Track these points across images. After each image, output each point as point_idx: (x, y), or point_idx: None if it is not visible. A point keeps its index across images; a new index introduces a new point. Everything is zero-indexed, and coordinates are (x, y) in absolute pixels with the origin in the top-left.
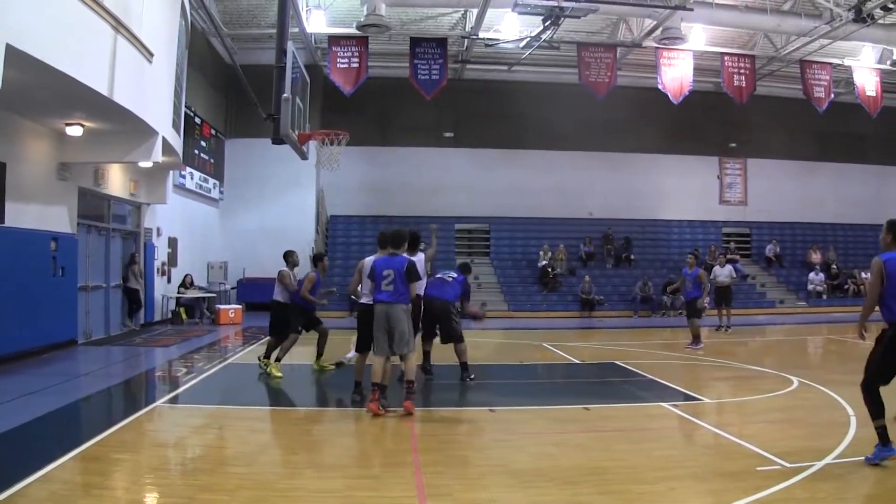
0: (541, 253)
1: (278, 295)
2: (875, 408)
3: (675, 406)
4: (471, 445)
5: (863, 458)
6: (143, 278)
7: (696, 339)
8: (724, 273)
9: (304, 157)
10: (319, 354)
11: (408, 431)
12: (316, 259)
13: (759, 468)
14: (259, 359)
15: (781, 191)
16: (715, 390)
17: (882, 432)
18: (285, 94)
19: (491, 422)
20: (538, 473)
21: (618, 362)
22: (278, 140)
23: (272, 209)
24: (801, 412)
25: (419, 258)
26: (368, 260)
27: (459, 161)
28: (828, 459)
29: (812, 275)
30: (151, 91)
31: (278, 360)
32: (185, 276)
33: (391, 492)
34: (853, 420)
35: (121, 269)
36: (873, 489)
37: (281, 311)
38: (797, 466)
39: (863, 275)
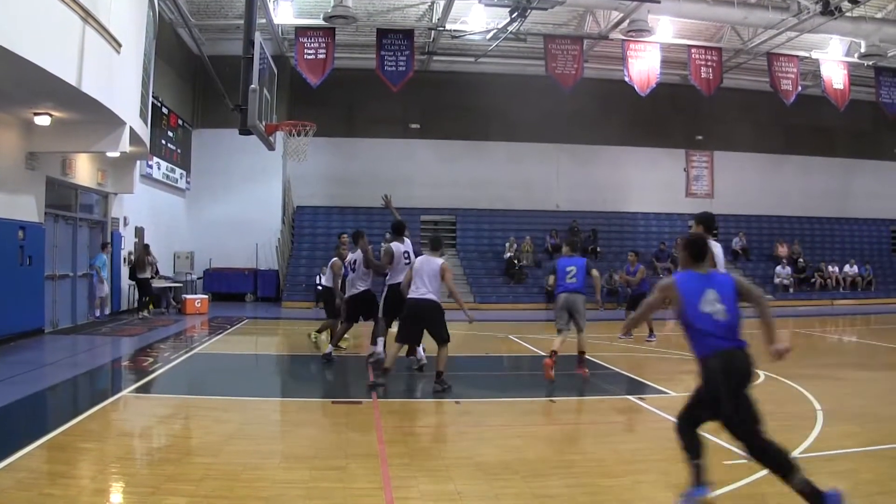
0: (507, 245)
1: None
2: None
3: (641, 399)
4: (437, 437)
5: (828, 452)
6: (152, 267)
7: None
8: None
9: (271, 147)
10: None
11: (373, 423)
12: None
13: (725, 462)
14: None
15: (748, 184)
16: (682, 383)
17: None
18: (253, 85)
19: (457, 414)
20: (504, 466)
21: (584, 355)
22: (246, 131)
23: (239, 200)
24: (768, 406)
25: (407, 244)
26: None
27: (426, 153)
28: (794, 454)
29: (779, 268)
30: (119, 81)
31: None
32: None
33: (357, 483)
34: (820, 414)
35: (87, 259)
36: (840, 484)
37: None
38: None
39: (830, 268)
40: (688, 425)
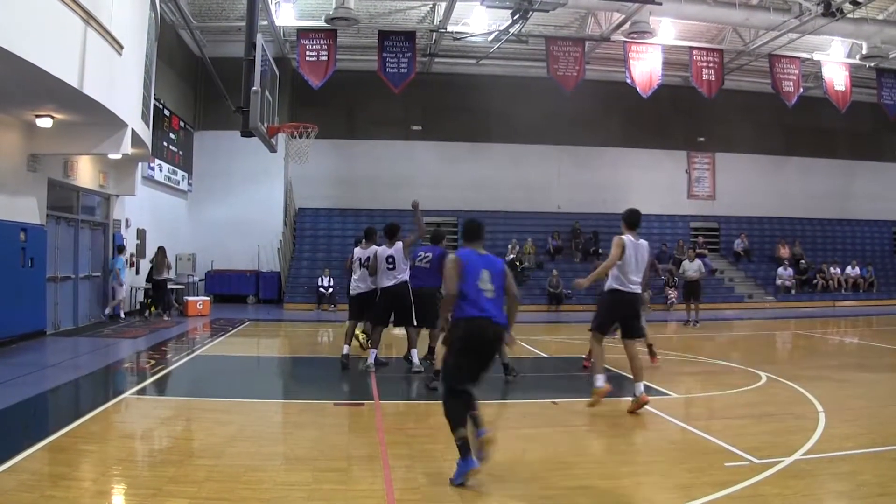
0: (509, 247)
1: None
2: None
3: None
4: (439, 439)
5: (830, 454)
6: (164, 269)
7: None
8: (693, 268)
9: (272, 149)
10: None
11: (375, 424)
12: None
13: (727, 464)
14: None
15: (750, 185)
16: (683, 385)
17: (462, 445)
18: (254, 87)
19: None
20: (506, 467)
21: (582, 356)
22: (247, 133)
23: (240, 201)
24: (770, 408)
25: (397, 248)
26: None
27: (427, 154)
28: (797, 455)
29: (780, 269)
30: (121, 83)
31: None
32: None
33: (358, 485)
34: (822, 416)
35: (100, 262)
36: (843, 485)
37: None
38: (766, 462)
39: (831, 270)
40: (455, 397)
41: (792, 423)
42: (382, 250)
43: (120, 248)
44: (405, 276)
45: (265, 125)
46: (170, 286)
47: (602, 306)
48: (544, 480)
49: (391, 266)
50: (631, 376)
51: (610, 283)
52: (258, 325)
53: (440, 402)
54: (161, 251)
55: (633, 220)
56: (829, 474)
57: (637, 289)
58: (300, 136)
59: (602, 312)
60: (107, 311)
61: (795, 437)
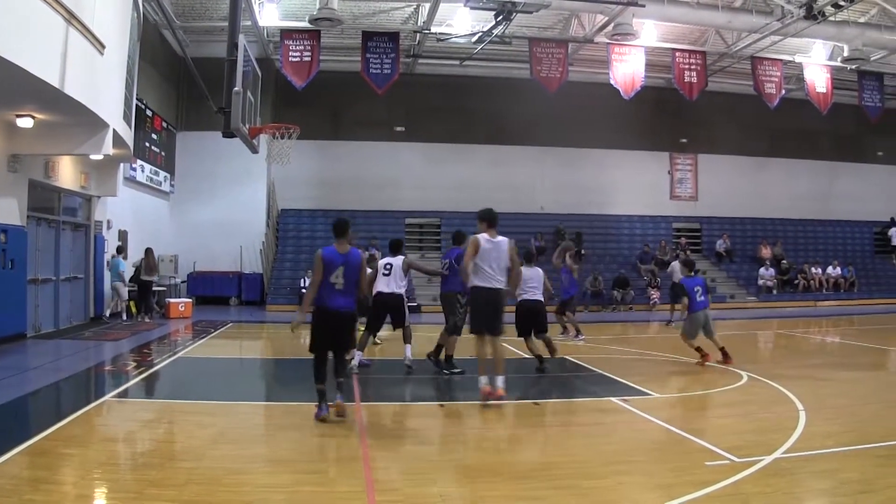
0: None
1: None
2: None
3: (624, 401)
4: (420, 440)
5: (811, 452)
6: (155, 271)
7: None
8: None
9: (254, 150)
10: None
11: (357, 426)
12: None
13: (708, 463)
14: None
15: (732, 186)
16: (665, 385)
17: (320, 393)
18: (236, 88)
19: (440, 416)
20: (487, 468)
21: (568, 357)
22: (229, 133)
23: (223, 202)
24: (751, 407)
25: (398, 259)
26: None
27: (411, 155)
28: (777, 454)
29: (762, 270)
30: (103, 83)
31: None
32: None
33: (339, 486)
34: (802, 415)
35: (81, 263)
36: (823, 484)
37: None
38: (746, 461)
39: (813, 270)
40: (320, 358)
41: (773, 421)
42: (385, 259)
43: (119, 249)
44: (401, 290)
45: (247, 126)
46: (153, 288)
47: (471, 307)
48: (527, 481)
49: (387, 272)
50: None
51: (472, 281)
52: (241, 326)
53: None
54: (150, 252)
55: (490, 218)
56: (810, 472)
57: (499, 285)
58: (282, 137)
59: (472, 314)
60: (108, 312)
61: (776, 435)
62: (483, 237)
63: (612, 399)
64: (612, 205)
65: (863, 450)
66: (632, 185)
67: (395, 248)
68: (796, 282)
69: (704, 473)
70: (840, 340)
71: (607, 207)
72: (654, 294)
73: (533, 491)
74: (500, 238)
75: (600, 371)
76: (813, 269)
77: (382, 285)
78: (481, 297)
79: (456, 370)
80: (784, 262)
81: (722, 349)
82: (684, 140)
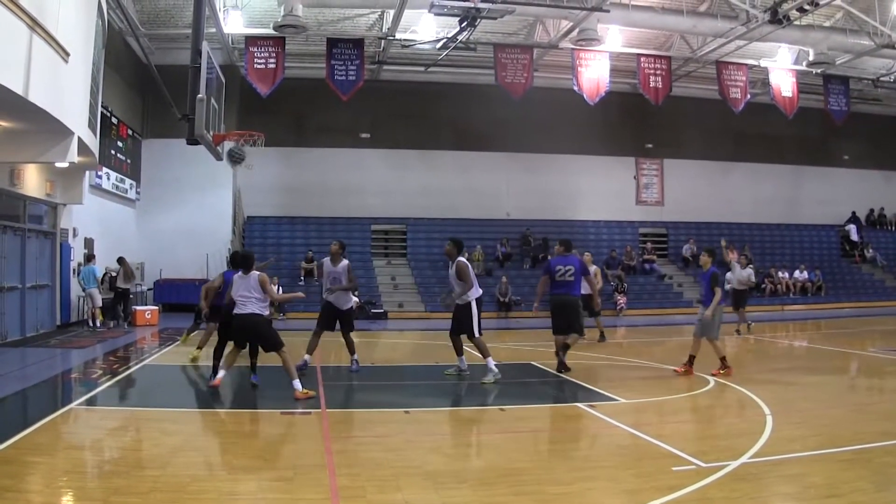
0: None
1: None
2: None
3: (591, 406)
4: (385, 447)
5: (777, 457)
6: (134, 278)
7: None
8: (743, 275)
9: (218, 157)
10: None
11: (321, 433)
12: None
13: (674, 468)
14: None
15: (698, 191)
16: (631, 390)
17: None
18: (200, 95)
19: (406, 423)
20: (453, 475)
21: (534, 363)
22: (193, 140)
23: (189, 210)
24: (718, 411)
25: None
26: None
27: (376, 162)
28: (743, 459)
29: (728, 274)
30: (67, 91)
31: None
32: (105, 272)
33: (304, 494)
34: (769, 419)
35: (50, 270)
36: (789, 488)
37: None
38: (713, 466)
39: (779, 274)
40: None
41: (739, 426)
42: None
43: (89, 257)
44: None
45: (210, 133)
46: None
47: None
48: (492, 487)
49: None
50: None
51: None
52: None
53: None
54: (125, 261)
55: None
56: (777, 477)
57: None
58: (247, 144)
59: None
60: (93, 321)
61: (743, 440)
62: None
63: (579, 405)
64: (578, 210)
65: (829, 454)
66: (598, 191)
67: (235, 262)
68: (763, 286)
69: (671, 479)
70: (807, 344)
71: (573, 213)
72: (621, 299)
73: (498, 497)
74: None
75: (566, 377)
76: (780, 273)
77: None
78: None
79: (568, 368)
80: (750, 266)
81: (723, 358)
82: (650, 145)
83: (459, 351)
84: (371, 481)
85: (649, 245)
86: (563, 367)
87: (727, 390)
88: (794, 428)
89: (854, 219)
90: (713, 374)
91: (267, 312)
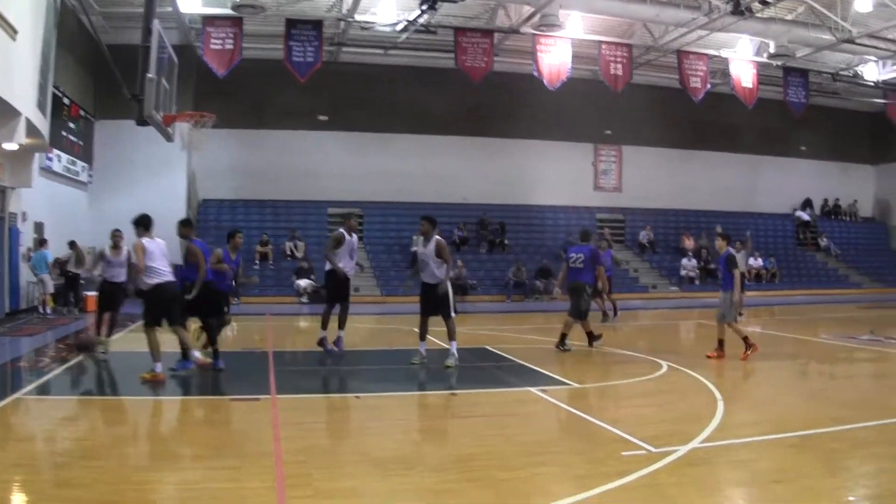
0: (414, 238)
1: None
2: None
3: (543, 391)
4: (335, 433)
5: (727, 441)
6: (83, 263)
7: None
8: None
9: (168, 138)
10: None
11: (270, 420)
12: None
13: (624, 453)
14: None
15: (656, 178)
16: (584, 375)
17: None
18: (150, 75)
19: (357, 408)
20: (402, 461)
21: (488, 347)
22: (143, 121)
23: (142, 193)
24: (670, 396)
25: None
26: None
27: (333, 145)
28: (694, 443)
29: (685, 261)
30: (15, 69)
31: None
32: (56, 258)
33: (250, 482)
34: (720, 404)
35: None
36: (738, 473)
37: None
38: (663, 451)
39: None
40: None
41: (691, 411)
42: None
43: (41, 242)
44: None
45: (161, 113)
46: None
47: (147, 302)
48: (441, 473)
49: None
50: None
51: (152, 280)
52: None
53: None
54: (76, 245)
55: (145, 223)
56: (726, 462)
57: (161, 279)
58: (201, 125)
59: (148, 308)
60: (40, 309)
61: (693, 425)
62: (146, 240)
63: (531, 389)
64: (536, 195)
65: (778, 439)
66: (556, 176)
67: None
68: (719, 273)
69: (620, 464)
70: (760, 331)
71: (531, 198)
72: None
73: (448, 484)
74: (158, 239)
75: (520, 361)
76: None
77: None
78: (160, 293)
79: (566, 348)
80: (703, 250)
81: (745, 338)
82: (609, 132)
83: (424, 335)
84: (319, 469)
85: (606, 231)
86: (581, 339)
87: (680, 375)
88: (745, 413)
89: (807, 203)
90: (742, 359)
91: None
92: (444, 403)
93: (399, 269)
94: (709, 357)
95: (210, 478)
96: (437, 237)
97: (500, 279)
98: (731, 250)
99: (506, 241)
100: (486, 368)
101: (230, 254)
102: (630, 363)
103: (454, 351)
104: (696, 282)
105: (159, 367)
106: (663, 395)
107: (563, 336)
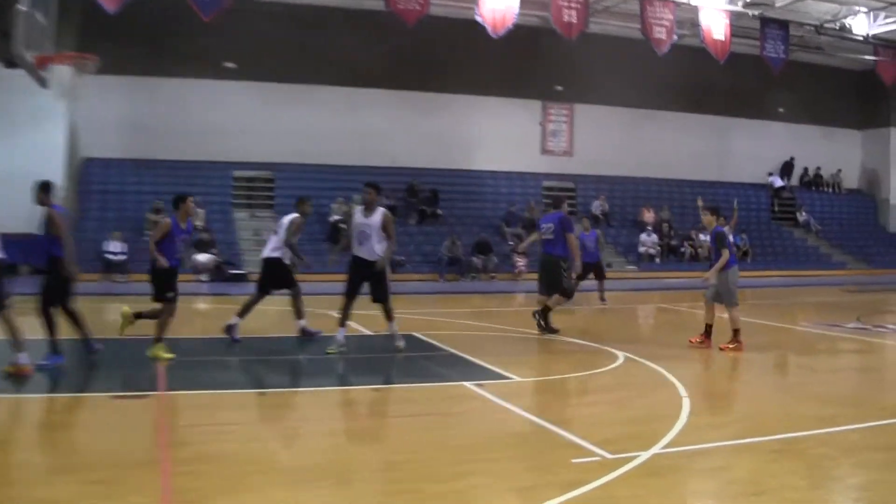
0: (334, 206)
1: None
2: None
3: (481, 386)
4: (233, 437)
5: (694, 446)
6: None
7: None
8: None
9: (43, 84)
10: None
11: (159, 422)
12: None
13: (574, 460)
14: None
15: (613, 141)
16: (529, 367)
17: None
18: (20, 5)
19: (262, 407)
20: (312, 470)
21: (417, 334)
22: (10, 62)
23: (10, 149)
24: (627, 392)
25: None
26: None
27: (242, 97)
28: (656, 449)
29: (644, 236)
30: None
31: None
32: None
33: (130, 498)
34: (686, 402)
35: None
36: (708, 484)
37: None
38: (620, 457)
39: (702, 237)
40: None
41: (652, 410)
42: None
43: None
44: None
45: (34, 53)
46: None
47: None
48: (359, 486)
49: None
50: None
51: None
52: (31, 301)
53: (231, 390)
54: None
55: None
56: (693, 471)
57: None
58: (83, 70)
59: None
60: None
61: (655, 426)
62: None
63: (466, 384)
64: (475, 159)
65: (755, 444)
66: (498, 137)
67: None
68: (682, 250)
69: (570, 472)
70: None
71: (469, 162)
72: (521, 261)
73: (366, 498)
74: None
75: (454, 350)
76: (702, 236)
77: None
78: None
79: (553, 328)
80: (665, 224)
81: (736, 331)
82: (560, 87)
83: (345, 320)
84: (212, 481)
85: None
86: (544, 328)
87: (639, 368)
88: (714, 412)
89: (787, 168)
90: (722, 349)
91: None
92: (364, 401)
93: (315, 242)
94: (691, 343)
95: (84, 494)
96: (383, 208)
97: (432, 255)
98: (720, 227)
99: (439, 212)
100: (414, 359)
101: (179, 222)
102: (581, 353)
103: (396, 330)
104: (657, 259)
105: (24, 359)
106: (620, 390)
107: (545, 312)
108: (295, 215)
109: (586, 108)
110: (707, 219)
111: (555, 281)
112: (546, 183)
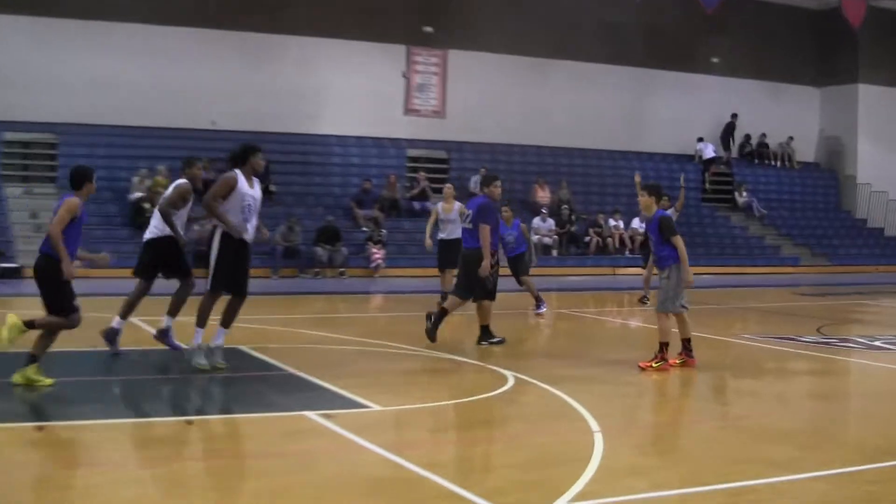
0: (135, 179)
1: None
2: None
3: (328, 417)
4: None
5: (612, 499)
6: None
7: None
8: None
9: None
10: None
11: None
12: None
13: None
14: None
15: (496, 99)
16: (392, 392)
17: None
18: None
19: (39, 447)
20: None
21: (243, 347)
22: None
23: None
24: (521, 426)
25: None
26: None
27: (16, 34)
28: (560, 502)
29: (537, 220)
30: None
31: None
32: None
33: None
34: (598, 437)
35: None
36: None
37: None
38: None
39: (611, 223)
40: None
41: (553, 449)
42: None
43: None
44: None
45: None
46: None
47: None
48: None
49: None
50: None
51: None
52: None
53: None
54: None
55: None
56: None
57: None
58: None
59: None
60: None
61: (559, 472)
62: None
63: (308, 414)
64: (319, 121)
65: (691, 495)
66: (349, 92)
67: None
68: (587, 239)
69: None
70: (646, 325)
71: (311, 125)
72: (377, 253)
73: None
74: None
75: (292, 370)
76: (611, 222)
77: None
78: None
79: (495, 340)
80: (565, 207)
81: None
82: (429, 29)
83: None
84: None
85: (422, 174)
86: (431, 334)
87: (534, 392)
88: (636, 452)
89: (728, 132)
90: (643, 367)
91: None
92: (172, 436)
93: (111, 225)
94: (670, 365)
95: None
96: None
97: (262, 244)
98: (663, 211)
99: (272, 188)
100: (240, 380)
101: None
102: (458, 374)
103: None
104: (554, 252)
105: None
106: (510, 423)
107: (485, 328)
108: (182, 181)
109: (463, 56)
110: (645, 200)
111: (476, 281)
112: (411, 152)
